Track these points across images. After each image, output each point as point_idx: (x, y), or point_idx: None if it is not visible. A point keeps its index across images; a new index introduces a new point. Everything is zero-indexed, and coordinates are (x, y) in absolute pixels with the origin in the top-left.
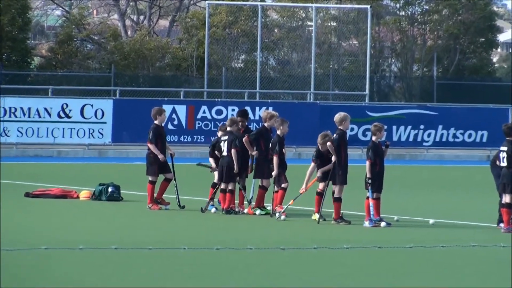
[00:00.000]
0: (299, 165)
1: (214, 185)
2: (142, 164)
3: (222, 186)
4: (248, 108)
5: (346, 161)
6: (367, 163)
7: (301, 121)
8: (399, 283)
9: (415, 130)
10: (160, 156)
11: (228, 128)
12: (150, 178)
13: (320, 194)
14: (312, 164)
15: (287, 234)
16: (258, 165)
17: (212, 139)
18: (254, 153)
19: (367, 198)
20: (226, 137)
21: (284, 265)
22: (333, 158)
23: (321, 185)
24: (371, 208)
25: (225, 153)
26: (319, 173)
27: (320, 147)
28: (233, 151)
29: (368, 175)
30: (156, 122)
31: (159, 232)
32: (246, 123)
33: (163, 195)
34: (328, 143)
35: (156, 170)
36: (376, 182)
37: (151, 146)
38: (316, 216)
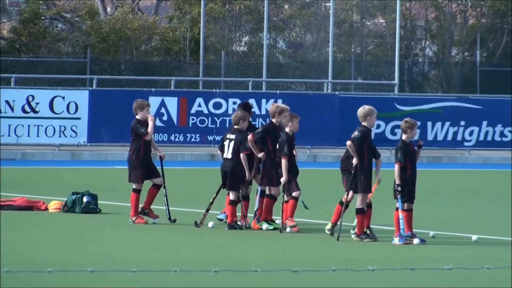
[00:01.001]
0: (315, 169)
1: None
2: (124, 168)
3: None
4: (252, 101)
5: (370, 165)
6: (396, 166)
7: (316, 116)
8: None
9: (454, 127)
10: (161, 154)
11: (236, 126)
12: (133, 186)
13: (344, 204)
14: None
15: (300, 253)
16: (265, 169)
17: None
18: (261, 155)
19: (396, 209)
20: (232, 136)
21: None
22: (354, 161)
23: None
24: (401, 222)
25: (229, 156)
26: (378, 179)
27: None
28: (242, 155)
29: (397, 181)
30: (138, 117)
31: (145, 251)
32: (250, 119)
33: (152, 205)
34: (348, 143)
35: (140, 176)
36: (406, 190)
37: (150, 138)
38: (329, 226)
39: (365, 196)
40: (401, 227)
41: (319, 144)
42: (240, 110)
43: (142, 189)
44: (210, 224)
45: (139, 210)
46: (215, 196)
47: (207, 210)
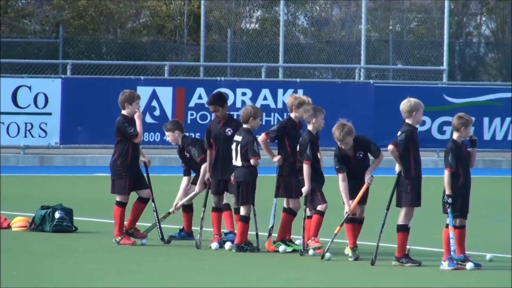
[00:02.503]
0: None
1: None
2: (106, 176)
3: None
4: (266, 91)
5: (418, 172)
6: (446, 173)
7: (346, 110)
8: None
9: None
10: (147, 160)
11: (245, 125)
12: (118, 198)
13: (356, 221)
14: (341, 176)
15: (326, 281)
16: (282, 177)
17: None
18: (276, 159)
19: (446, 226)
20: (239, 138)
21: None
22: (397, 168)
23: (356, 207)
24: (452, 242)
25: (238, 163)
26: (369, 177)
27: (341, 146)
28: (253, 161)
29: (447, 192)
30: (124, 112)
31: (133, 279)
32: (227, 113)
33: (137, 223)
34: (390, 147)
35: (126, 186)
36: (459, 202)
37: (140, 141)
38: (348, 251)
39: (411, 211)
40: (452, 248)
41: None
42: (251, 106)
43: (128, 202)
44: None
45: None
46: (204, 209)
47: (201, 228)
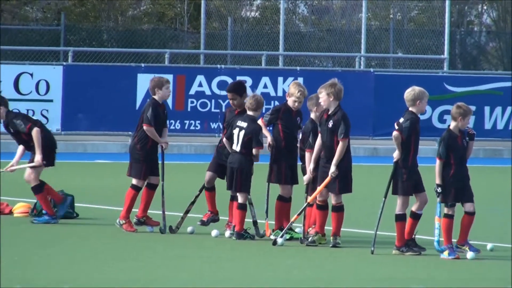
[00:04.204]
0: None
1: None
2: (107, 162)
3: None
4: (266, 79)
5: (415, 162)
6: (437, 162)
7: (346, 98)
8: None
9: None
10: (163, 143)
11: (249, 112)
12: (133, 182)
13: (323, 207)
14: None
15: (326, 269)
16: (273, 162)
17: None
18: (269, 139)
19: (445, 215)
20: (243, 124)
21: None
22: (396, 156)
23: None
24: (437, 232)
25: (237, 148)
26: (333, 169)
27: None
28: (255, 151)
29: (437, 181)
30: (155, 97)
31: (131, 266)
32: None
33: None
34: (395, 134)
35: (143, 171)
36: (452, 192)
37: (149, 130)
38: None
39: (406, 199)
40: (436, 238)
41: (350, 134)
42: (259, 95)
43: (143, 186)
44: (214, 232)
45: (135, 220)
46: (198, 195)
47: (186, 212)
